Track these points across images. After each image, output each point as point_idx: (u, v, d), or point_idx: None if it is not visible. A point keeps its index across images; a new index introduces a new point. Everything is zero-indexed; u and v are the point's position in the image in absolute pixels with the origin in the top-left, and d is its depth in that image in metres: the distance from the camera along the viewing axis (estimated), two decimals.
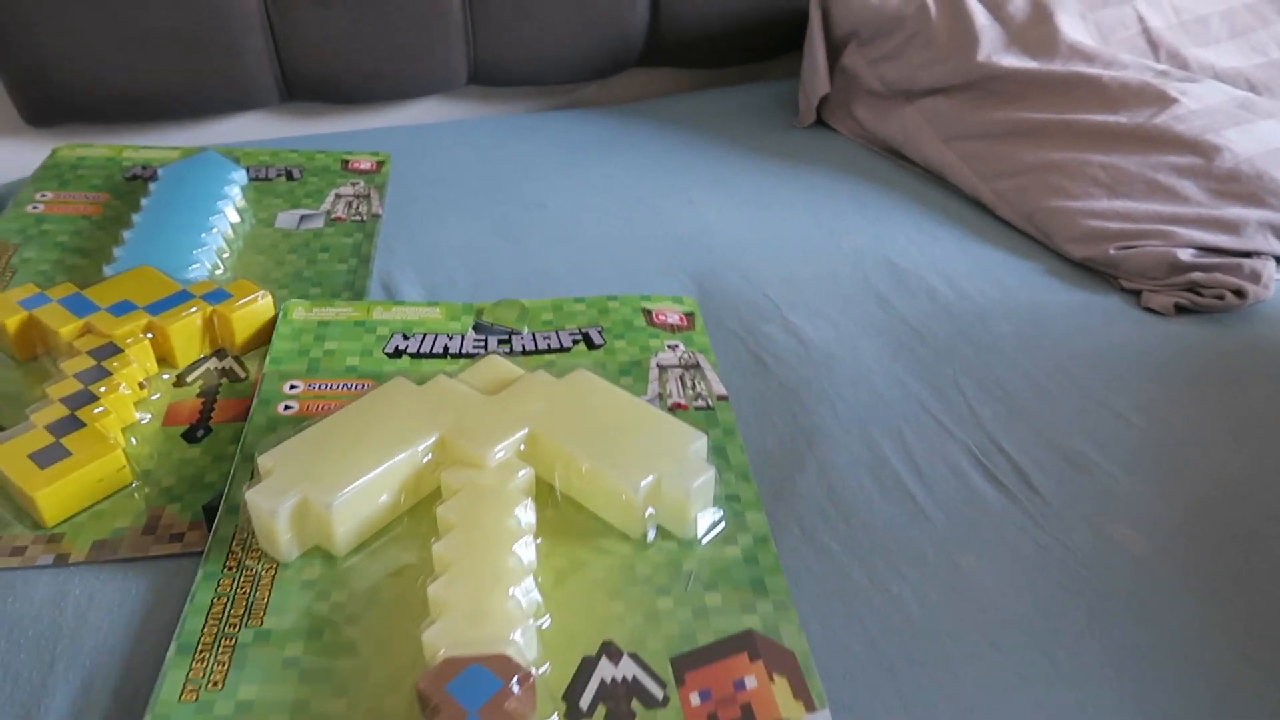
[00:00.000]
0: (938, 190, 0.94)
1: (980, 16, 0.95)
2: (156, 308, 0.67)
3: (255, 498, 0.51)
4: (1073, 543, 0.56)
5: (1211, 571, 0.54)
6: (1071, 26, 0.94)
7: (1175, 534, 0.56)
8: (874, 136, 1.02)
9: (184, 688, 0.45)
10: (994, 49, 0.94)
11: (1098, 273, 0.81)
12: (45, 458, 0.55)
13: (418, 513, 0.56)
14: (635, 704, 0.46)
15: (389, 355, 0.67)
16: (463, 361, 0.67)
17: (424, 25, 0.99)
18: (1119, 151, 0.85)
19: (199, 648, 0.47)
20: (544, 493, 0.57)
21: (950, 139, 0.93)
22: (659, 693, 0.47)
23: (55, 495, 0.54)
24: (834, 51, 1.05)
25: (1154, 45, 0.97)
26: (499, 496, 0.53)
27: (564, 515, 0.56)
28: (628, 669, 0.48)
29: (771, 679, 0.47)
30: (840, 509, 0.57)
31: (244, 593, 0.51)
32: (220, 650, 0.47)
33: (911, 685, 0.48)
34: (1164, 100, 0.87)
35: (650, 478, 0.53)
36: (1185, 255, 0.77)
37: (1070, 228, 0.82)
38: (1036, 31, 0.94)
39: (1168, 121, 0.85)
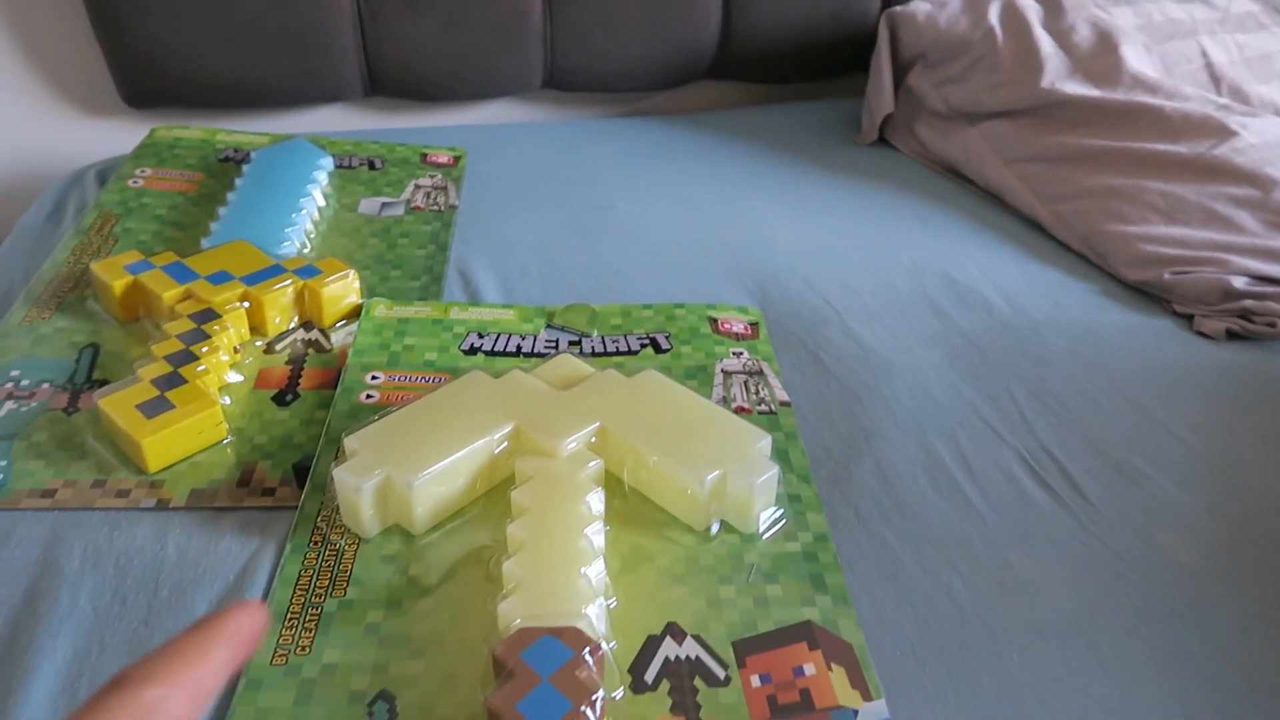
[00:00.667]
0: (996, 210, 0.96)
1: (1045, 44, 0.98)
2: (252, 279, 0.71)
3: (342, 475, 0.54)
4: (1120, 547, 0.58)
5: (1257, 581, 0.56)
6: (1136, 58, 0.96)
7: (1221, 544, 0.58)
8: (935, 156, 1.04)
9: (274, 652, 0.49)
10: (1058, 76, 0.96)
11: (1151, 296, 0.83)
12: (151, 409, 0.59)
13: (491, 498, 0.59)
14: (698, 681, 0.48)
15: (465, 352, 0.70)
16: (534, 360, 0.70)
17: (505, 31, 1.04)
18: (1178, 180, 0.87)
19: (287, 615, 0.51)
20: (612, 485, 0.59)
21: (1011, 161, 0.96)
22: (721, 672, 0.49)
23: (159, 444, 0.58)
24: (899, 72, 1.08)
25: (1216, 79, 0.99)
26: (571, 484, 0.56)
27: (631, 506, 0.59)
28: (691, 649, 0.50)
29: (830, 668, 0.49)
30: (895, 502, 0.60)
31: (328, 565, 0.54)
32: (307, 618, 0.51)
33: (959, 667, 0.50)
34: (1224, 132, 0.88)
35: (716, 473, 0.56)
36: (1239, 283, 0.78)
37: (1127, 251, 0.84)
38: (1101, 61, 0.96)
39: (1227, 153, 0.87)
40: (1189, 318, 0.80)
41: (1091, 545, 0.58)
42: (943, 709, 0.48)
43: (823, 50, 1.17)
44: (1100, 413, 0.69)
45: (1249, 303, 0.78)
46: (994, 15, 1.01)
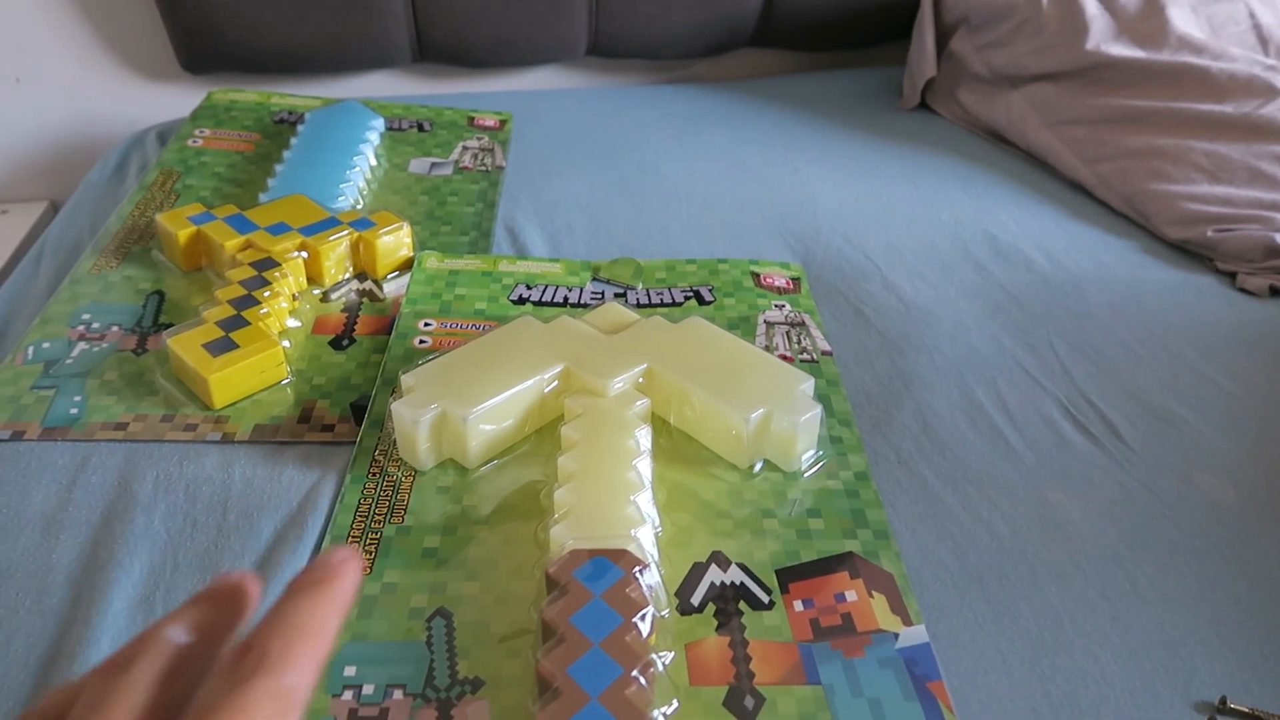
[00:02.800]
0: (1038, 172, 0.97)
1: (1091, 6, 0.97)
2: (309, 230, 0.73)
3: (400, 409, 0.56)
4: (1158, 487, 0.58)
5: None
6: (1182, 19, 0.96)
7: (1259, 485, 0.59)
8: (977, 120, 1.04)
9: None
10: (1103, 38, 0.96)
11: (1194, 254, 0.83)
12: (216, 348, 0.61)
13: (541, 437, 0.61)
14: (742, 605, 0.50)
15: (513, 302, 0.72)
16: (580, 311, 0.71)
17: None
18: (1223, 140, 0.87)
19: (348, 539, 0.53)
20: (658, 426, 0.61)
21: (1054, 124, 0.96)
22: (765, 598, 0.51)
23: (224, 380, 0.60)
24: (942, 37, 1.08)
25: (1264, 41, 0.99)
26: (619, 420, 0.57)
27: (676, 445, 0.60)
28: (735, 575, 0.52)
29: (871, 595, 0.51)
30: (936, 443, 0.61)
31: (386, 495, 0.56)
32: (368, 541, 0.53)
33: (999, 595, 0.51)
34: (1271, 92, 0.88)
35: (760, 411, 0.57)
36: None
37: (1170, 210, 0.84)
38: (1147, 23, 0.96)
39: (1274, 113, 0.87)
40: (1232, 275, 0.80)
41: (1129, 485, 0.59)
42: (982, 634, 0.49)
43: (865, 17, 1.17)
44: (1140, 363, 0.69)
45: None
46: None
